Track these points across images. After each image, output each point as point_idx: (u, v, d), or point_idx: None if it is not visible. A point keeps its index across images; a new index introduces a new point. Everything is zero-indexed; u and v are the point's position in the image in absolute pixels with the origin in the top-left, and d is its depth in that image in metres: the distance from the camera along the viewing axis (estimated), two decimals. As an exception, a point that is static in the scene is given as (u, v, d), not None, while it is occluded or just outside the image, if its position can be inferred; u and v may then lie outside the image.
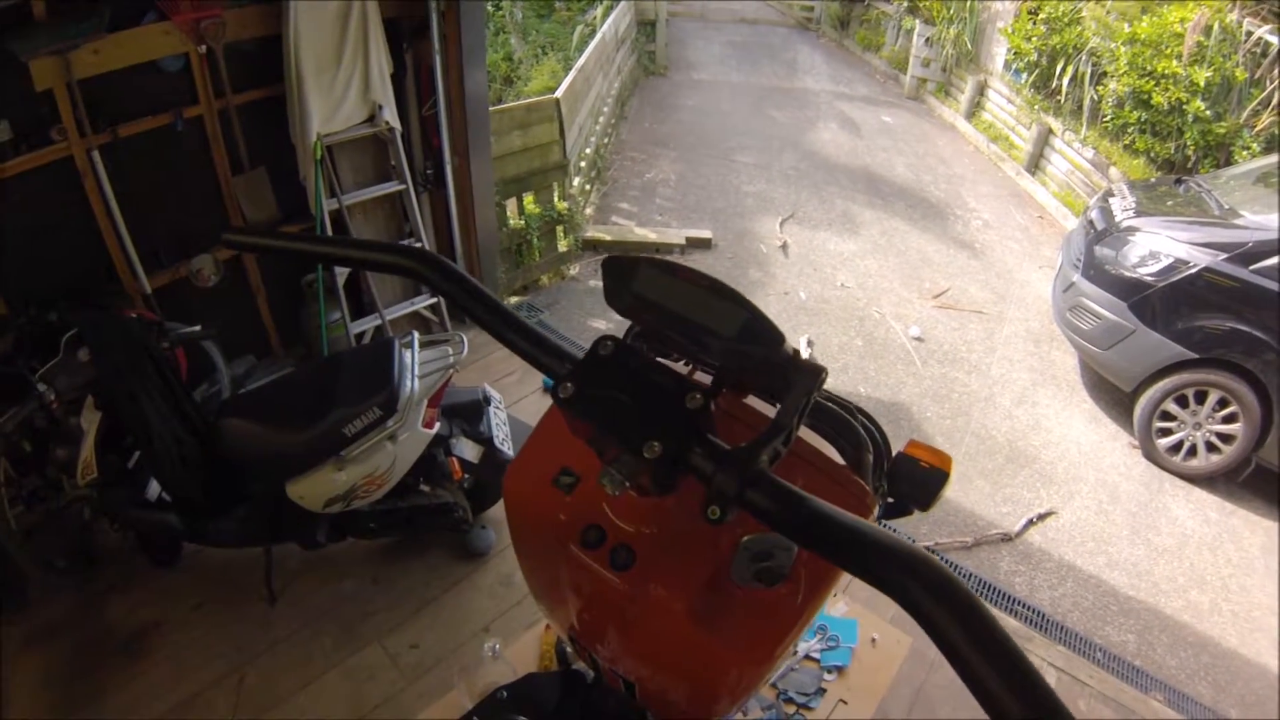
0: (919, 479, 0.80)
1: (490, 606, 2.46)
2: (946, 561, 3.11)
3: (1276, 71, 6.30)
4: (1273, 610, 3.45)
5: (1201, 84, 6.27)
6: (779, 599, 0.70)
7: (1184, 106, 6.33)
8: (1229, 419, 3.95)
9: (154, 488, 2.16)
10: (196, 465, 2.05)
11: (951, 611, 0.45)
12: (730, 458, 0.57)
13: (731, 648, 0.70)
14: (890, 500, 0.83)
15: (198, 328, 2.29)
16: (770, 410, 0.79)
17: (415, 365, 2.14)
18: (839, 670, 2.31)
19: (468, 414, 2.41)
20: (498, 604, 2.47)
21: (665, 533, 0.72)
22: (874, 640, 2.44)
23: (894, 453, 0.85)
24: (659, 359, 0.68)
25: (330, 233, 3.09)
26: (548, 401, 2.68)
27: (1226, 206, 4.21)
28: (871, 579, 0.50)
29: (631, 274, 0.67)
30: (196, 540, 2.21)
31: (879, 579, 0.49)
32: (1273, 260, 3.71)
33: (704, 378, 0.72)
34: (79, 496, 2.13)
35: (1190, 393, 4.02)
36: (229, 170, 2.85)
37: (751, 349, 0.62)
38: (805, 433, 0.78)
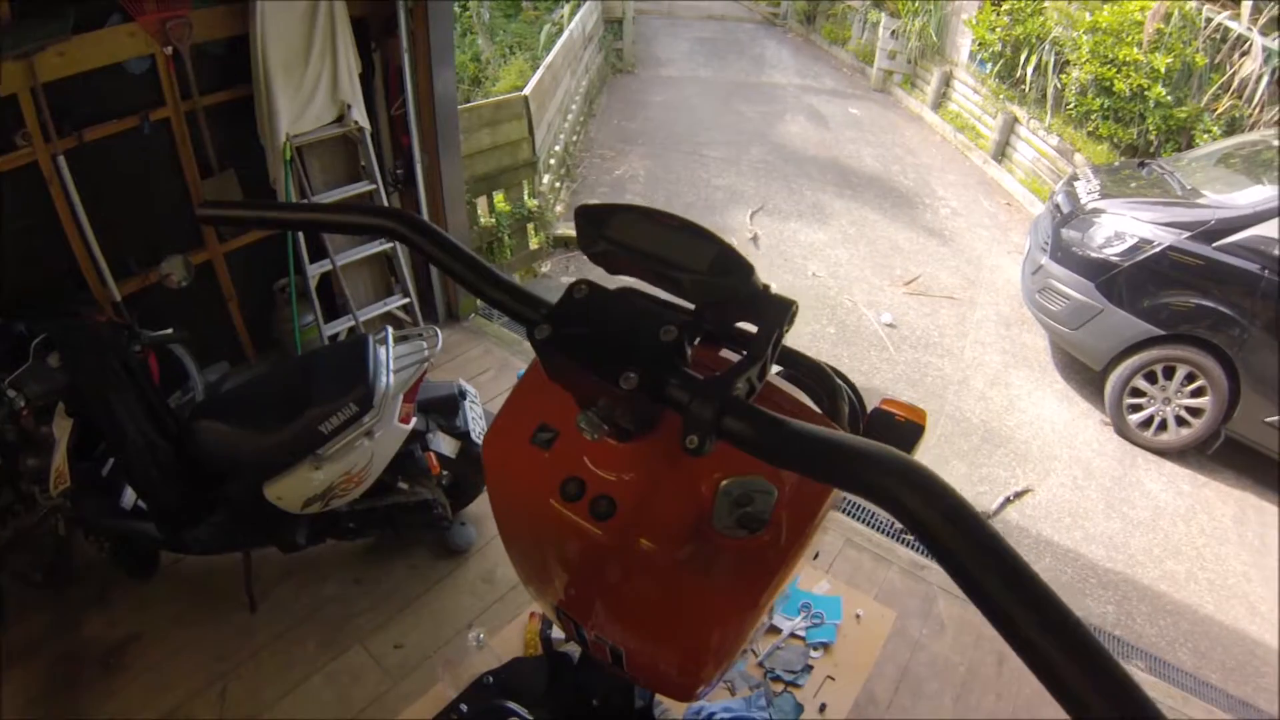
0: (896, 432, 0.81)
1: (473, 603, 2.45)
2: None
3: (1236, 56, 6.45)
4: (1247, 577, 3.55)
5: (1162, 70, 6.42)
6: (762, 546, 0.69)
7: (1145, 92, 6.48)
8: (1197, 393, 4.05)
9: (129, 496, 2.12)
10: (172, 470, 2.02)
11: (943, 514, 0.45)
12: (706, 386, 0.57)
13: (719, 595, 0.70)
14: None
15: (169, 331, 2.25)
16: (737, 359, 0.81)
17: (390, 360, 2.12)
18: (825, 647, 2.34)
19: (444, 409, 2.40)
20: (480, 600, 2.46)
21: (645, 481, 0.71)
22: (858, 616, 2.48)
23: (870, 409, 0.87)
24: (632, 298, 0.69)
25: (302, 236, 3.07)
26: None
27: (1189, 187, 4.30)
28: (860, 490, 0.49)
29: (606, 220, 0.68)
30: (174, 548, 2.17)
31: (867, 488, 0.49)
32: (1235, 237, 3.80)
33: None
34: (53, 509, 2.08)
35: (1159, 369, 4.12)
36: (197, 173, 2.80)
37: (723, 280, 0.63)
38: (782, 384, 0.79)
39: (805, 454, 0.53)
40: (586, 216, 0.69)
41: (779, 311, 0.62)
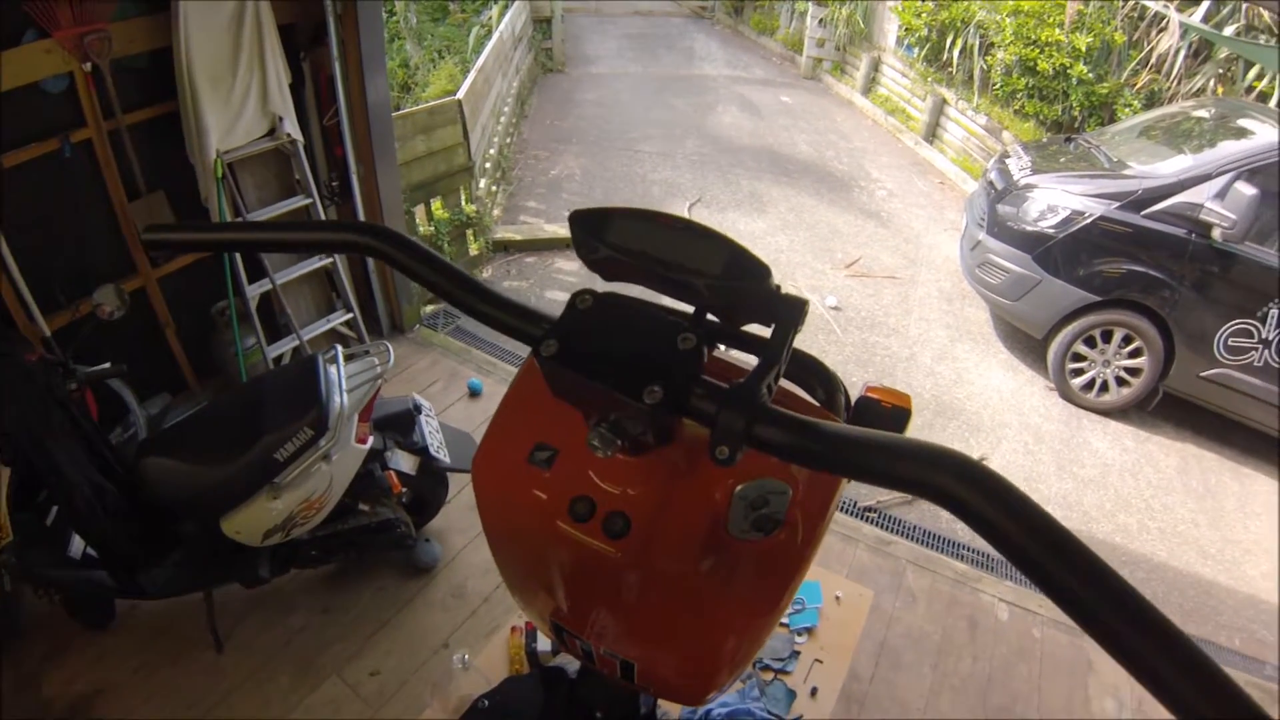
0: (884, 419, 0.80)
1: (446, 620, 2.40)
2: (892, 519, 3.22)
3: (1153, 33, 6.74)
4: (1195, 523, 3.74)
5: (1083, 49, 6.67)
6: (779, 545, 0.68)
7: (1068, 71, 6.72)
8: (1135, 354, 4.23)
9: (77, 544, 2.00)
10: (121, 513, 1.91)
11: (1007, 512, 0.45)
12: (732, 394, 0.55)
13: (741, 602, 0.68)
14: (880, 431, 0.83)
15: (105, 365, 2.13)
16: (738, 360, 0.78)
17: (342, 379, 2.05)
18: (809, 631, 2.37)
19: (400, 425, 2.34)
20: (453, 617, 2.41)
21: (658, 494, 0.69)
22: (838, 598, 2.51)
23: (854, 398, 0.85)
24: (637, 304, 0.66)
25: (239, 256, 2.95)
26: (476, 406, 2.63)
27: (1115, 159, 4.48)
28: (916, 490, 0.49)
29: (604, 225, 0.65)
30: (130, 595, 2.05)
31: (918, 485, 0.48)
32: (1162, 205, 3.97)
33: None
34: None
35: (1097, 333, 4.29)
36: (124, 196, 2.66)
37: (739, 284, 0.60)
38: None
39: (850, 456, 0.51)
40: (582, 222, 0.66)
41: (793, 311, 0.60)
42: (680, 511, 0.68)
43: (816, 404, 0.80)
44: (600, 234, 0.65)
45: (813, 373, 0.82)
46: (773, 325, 0.60)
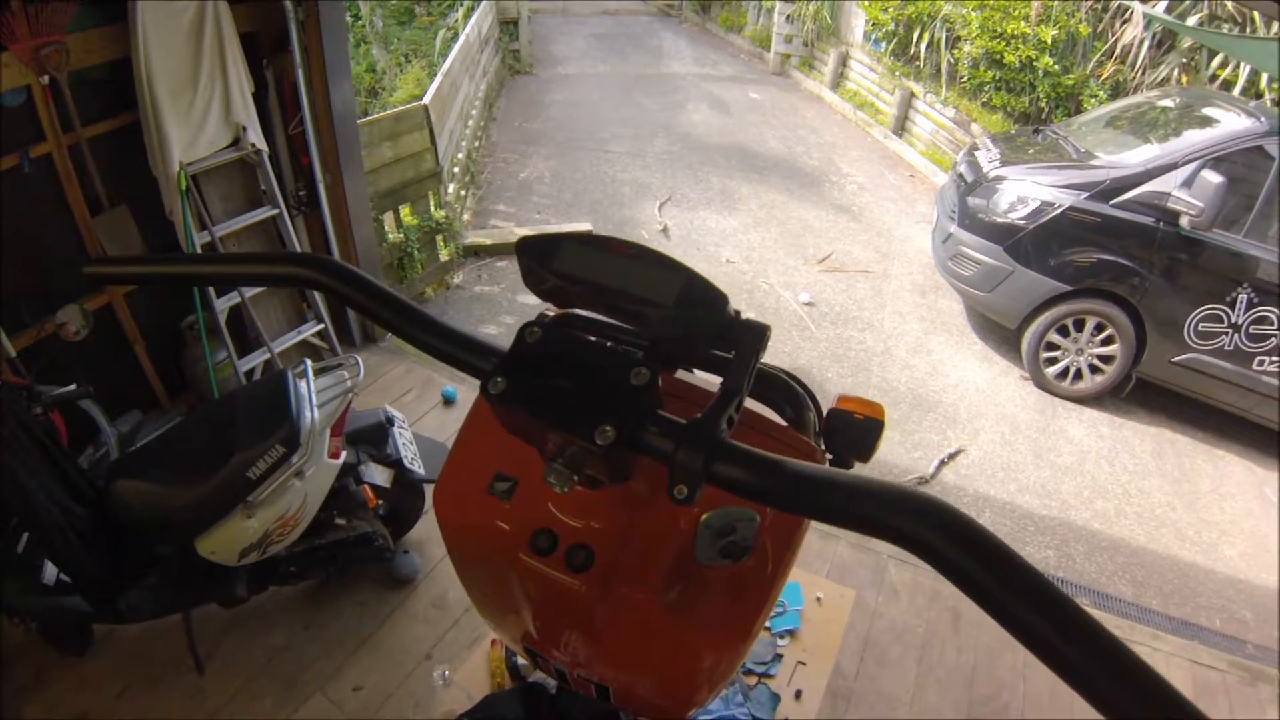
0: (856, 431, 0.79)
1: (428, 632, 2.38)
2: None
3: (1117, 24, 6.83)
4: (1171, 506, 3.81)
5: (1049, 41, 6.76)
6: (748, 572, 0.67)
7: (1034, 63, 6.80)
8: (1107, 341, 4.29)
9: (50, 570, 1.96)
10: (93, 538, 1.86)
11: (974, 555, 0.44)
12: (690, 431, 0.53)
13: (710, 631, 0.67)
14: (830, 456, 0.82)
15: (72, 387, 2.08)
16: (699, 381, 0.77)
17: (312, 395, 2.02)
18: (791, 634, 2.37)
19: (373, 438, 2.32)
20: (434, 629, 2.39)
21: (620, 525, 0.67)
22: (819, 599, 2.52)
23: (824, 410, 0.84)
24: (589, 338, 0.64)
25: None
26: (450, 414, 2.61)
27: (1082, 150, 4.54)
28: (871, 529, 0.48)
29: (553, 253, 0.62)
30: (107, 620, 2.01)
31: (880, 527, 0.47)
32: (1130, 194, 4.03)
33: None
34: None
35: (1070, 322, 4.35)
36: (86, 211, 2.60)
37: (693, 314, 0.58)
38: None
39: (812, 499, 0.50)
40: (530, 251, 0.63)
41: (754, 339, 0.58)
42: (645, 542, 0.67)
43: (784, 423, 0.79)
44: (548, 262, 0.62)
45: (779, 390, 0.81)
46: (733, 354, 0.58)
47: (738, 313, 0.59)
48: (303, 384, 2.02)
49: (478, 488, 0.71)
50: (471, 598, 0.88)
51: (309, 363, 2.09)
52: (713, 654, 0.70)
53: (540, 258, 0.62)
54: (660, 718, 0.87)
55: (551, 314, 0.69)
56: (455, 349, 0.68)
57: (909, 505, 0.46)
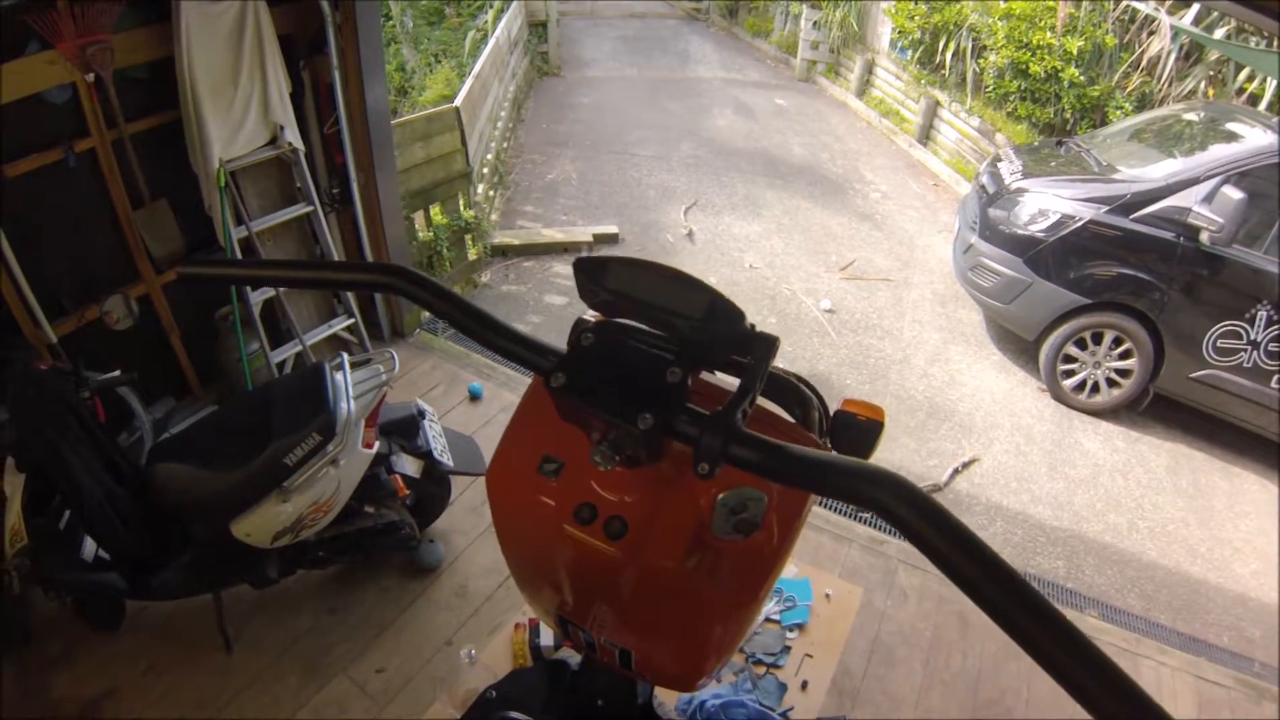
0: (858, 431, 0.90)
1: (449, 619, 2.45)
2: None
3: (1144, 36, 6.80)
4: (1184, 522, 3.80)
5: (1075, 52, 6.76)
6: (757, 545, 0.78)
7: (1059, 74, 6.81)
8: (1125, 355, 4.29)
9: (89, 547, 2.05)
10: (133, 517, 1.96)
11: (925, 517, 0.54)
12: (712, 420, 0.65)
13: (723, 595, 0.78)
14: (834, 452, 0.92)
15: (116, 373, 2.17)
16: (720, 381, 0.87)
17: (349, 387, 2.10)
18: (800, 628, 2.43)
19: (404, 430, 2.40)
20: (456, 616, 2.46)
21: (651, 501, 0.78)
22: (828, 595, 2.57)
23: (832, 411, 0.94)
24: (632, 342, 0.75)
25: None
26: (476, 409, 2.70)
27: (1105, 163, 4.55)
28: (856, 501, 0.58)
29: (603, 272, 0.75)
30: (141, 596, 2.09)
31: (861, 499, 0.57)
32: (1151, 209, 4.04)
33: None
34: (10, 568, 1.99)
35: (1088, 335, 4.35)
36: (128, 205, 2.71)
37: (717, 326, 0.71)
38: (759, 399, 0.86)
39: (805, 473, 0.61)
40: (586, 270, 0.75)
41: (766, 348, 0.70)
42: (670, 516, 0.78)
43: (793, 421, 0.89)
44: (600, 280, 0.75)
45: (790, 393, 0.92)
46: (749, 359, 0.70)
47: (753, 326, 0.71)
48: (339, 376, 2.11)
49: (528, 468, 0.82)
50: (513, 572, 0.98)
51: (345, 355, 2.17)
52: (723, 618, 0.81)
53: (593, 275, 0.75)
54: (674, 685, 0.97)
55: (590, 319, 0.79)
56: (517, 347, 0.79)
57: (883, 481, 0.57)
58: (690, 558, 0.77)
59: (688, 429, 0.66)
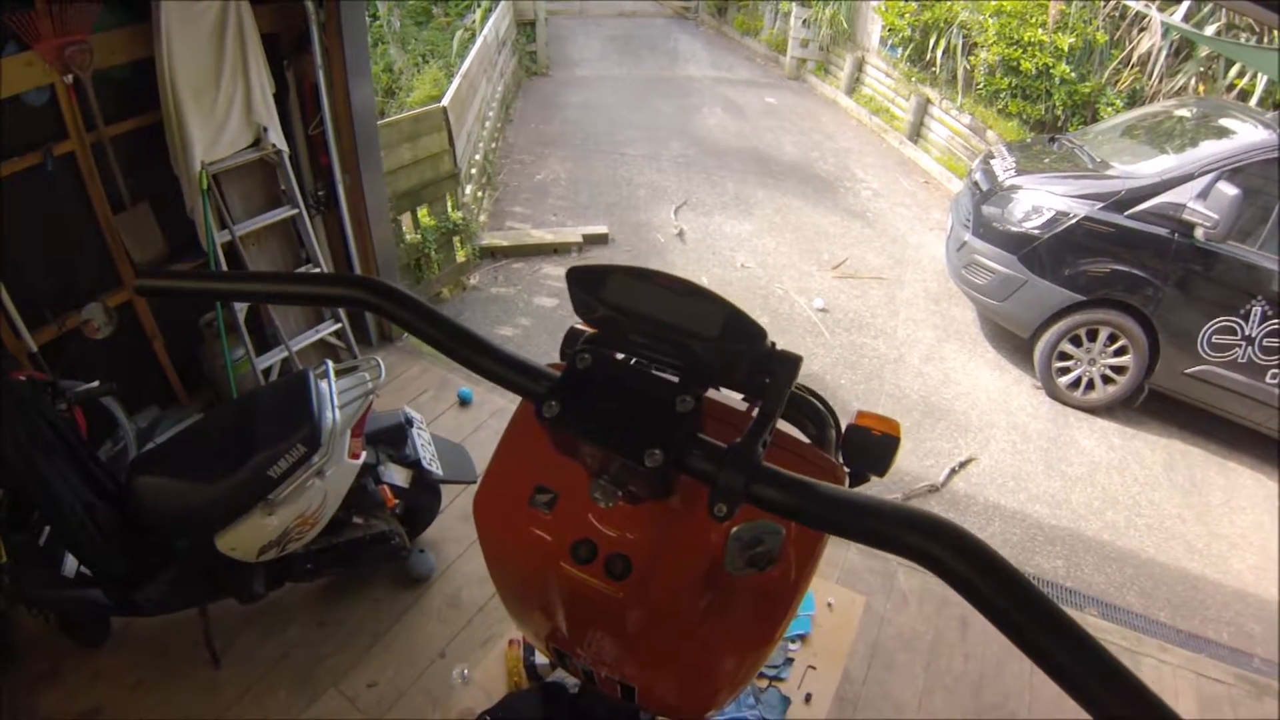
0: (873, 447, 0.82)
1: (442, 630, 2.40)
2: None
3: (1135, 32, 6.80)
4: (1181, 518, 3.79)
5: (1065, 49, 6.75)
6: (773, 581, 0.71)
7: (1050, 70, 6.79)
8: (1120, 352, 4.28)
9: (71, 563, 1.99)
10: (114, 532, 1.89)
11: (981, 572, 0.48)
12: (730, 455, 0.57)
13: (738, 635, 0.71)
14: (848, 471, 0.85)
15: (95, 383, 2.10)
16: (722, 397, 0.80)
17: (334, 395, 2.04)
18: (802, 638, 2.38)
19: (392, 439, 2.34)
20: (449, 627, 2.41)
21: (656, 536, 0.71)
22: (830, 604, 2.53)
23: (844, 426, 0.87)
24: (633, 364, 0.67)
25: (225, 266, 2.93)
26: (466, 415, 2.63)
27: (1098, 159, 4.53)
28: (900, 552, 0.51)
29: (602, 283, 0.66)
30: (125, 612, 2.03)
31: (904, 548, 0.51)
32: (1145, 205, 4.03)
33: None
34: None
35: (1083, 332, 4.34)
36: (109, 209, 2.64)
37: (735, 346, 0.62)
38: None
39: (838, 518, 0.54)
40: (580, 281, 0.66)
41: (788, 368, 0.62)
42: (679, 552, 0.71)
43: (808, 440, 0.82)
44: (598, 292, 0.66)
45: (805, 410, 0.85)
46: (768, 381, 0.62)
47: (774, 344, 0.63)
48: (324, 384, 2.05)
49: (519, 498, 0.75)
50: (503, 598, 0.91)
51: (330, 364, 2.12)
52: (737, 657, 0.74)
53: (588, 286, 0.66)
54: (679, 717, 0.90)
55: (584, 330, 0.72)
56: (506, 370, 0.70)
57: (922, 525, 0.50)
58: (702, 597, 0.70)
59: (703, 465, 0.58)
